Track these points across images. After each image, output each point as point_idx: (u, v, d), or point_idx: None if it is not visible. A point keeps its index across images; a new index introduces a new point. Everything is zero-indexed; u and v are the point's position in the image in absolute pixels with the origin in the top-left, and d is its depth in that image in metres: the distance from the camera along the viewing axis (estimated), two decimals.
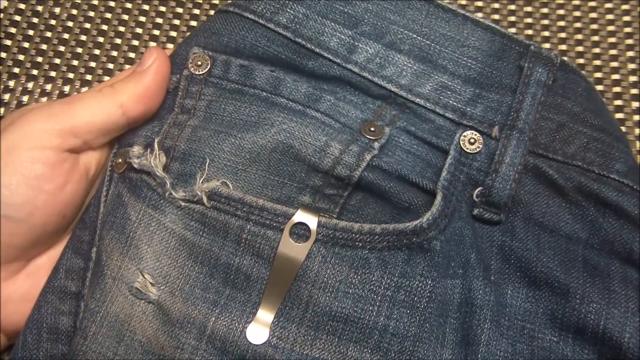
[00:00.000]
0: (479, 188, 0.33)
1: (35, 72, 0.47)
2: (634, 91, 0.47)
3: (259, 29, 0.35)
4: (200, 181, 0.31)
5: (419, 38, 0.35)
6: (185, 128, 0.32)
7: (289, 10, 0.35)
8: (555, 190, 0.34)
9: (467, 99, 0.35)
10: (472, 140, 0.34)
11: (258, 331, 0.30)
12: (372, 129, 0.32)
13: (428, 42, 0.35)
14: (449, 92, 0.35)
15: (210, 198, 0.31)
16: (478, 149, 0.34)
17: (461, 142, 0.34)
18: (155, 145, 0.32)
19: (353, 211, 0.33)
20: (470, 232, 0.33)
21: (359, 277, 0.30)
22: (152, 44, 0.49)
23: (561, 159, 0.35)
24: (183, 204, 0.31)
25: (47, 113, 0.31)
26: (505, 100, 0.35)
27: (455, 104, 0.35)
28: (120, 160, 0.33)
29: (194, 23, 0.50)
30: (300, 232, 0.31)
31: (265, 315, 0.30)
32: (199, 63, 0.34)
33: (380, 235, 0.30)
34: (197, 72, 0.34)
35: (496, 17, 0.51)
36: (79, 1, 0.50)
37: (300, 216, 0.31)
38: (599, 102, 0.38)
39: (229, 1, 0.39)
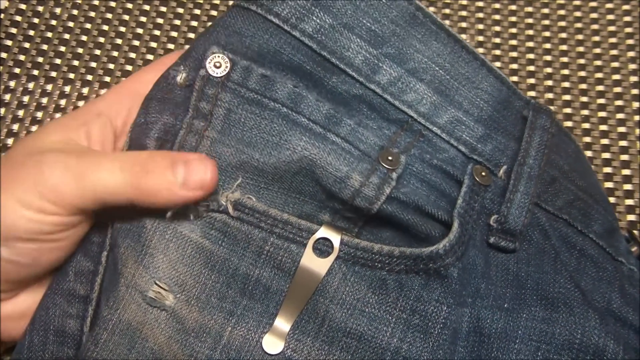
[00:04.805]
0: (495, 216, 0.34)
1: (36, 72, 0.47)
2: (635, 91, 0.48)
3: (284, 35, 0.33)
4: (225, 192, 0.31)
5: (440, 71, 0.35)
6: (204, 139, 0.32)
7: (314, 18, 0.34)
8: (545, 238, 0.35)
9: (478, 136, 0.35)
10: (483, 174, 0.34)
11: (274, 342, 0.30)
12: (390, 157, 0.32)
13: (448, 77, 0.35)
14: (463, 127, 0.35)
15: (235, 208, 0.31)
16: (489, 182, 0.35)
17: (474, 173, 0.34)
18: None
19: (372, 232, 0.33)
20: (482, 262, 0.33)
21: (376, 297, 0.31)
22: (153, 44, 0.48)
23: (551, 209, 0.36)
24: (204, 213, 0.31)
25: (72, 174, 0.29)
26: (510, 145, 0.36)
27: (467, 138, 0.35)
28: None
29: (194, 23, 0.49)
30: (323, 247, 0.31)
31: (281, 326, 0.30)
32: (218, 64, 0.32)
33: (398, 258, 0.30)
34: (214, 74, 0.32)
35: (497, 17, 0.51)
36: (80, 1, 0.49)
37: (324, 232, 0.31)
38: (586, 166, 0.40)
39: None
